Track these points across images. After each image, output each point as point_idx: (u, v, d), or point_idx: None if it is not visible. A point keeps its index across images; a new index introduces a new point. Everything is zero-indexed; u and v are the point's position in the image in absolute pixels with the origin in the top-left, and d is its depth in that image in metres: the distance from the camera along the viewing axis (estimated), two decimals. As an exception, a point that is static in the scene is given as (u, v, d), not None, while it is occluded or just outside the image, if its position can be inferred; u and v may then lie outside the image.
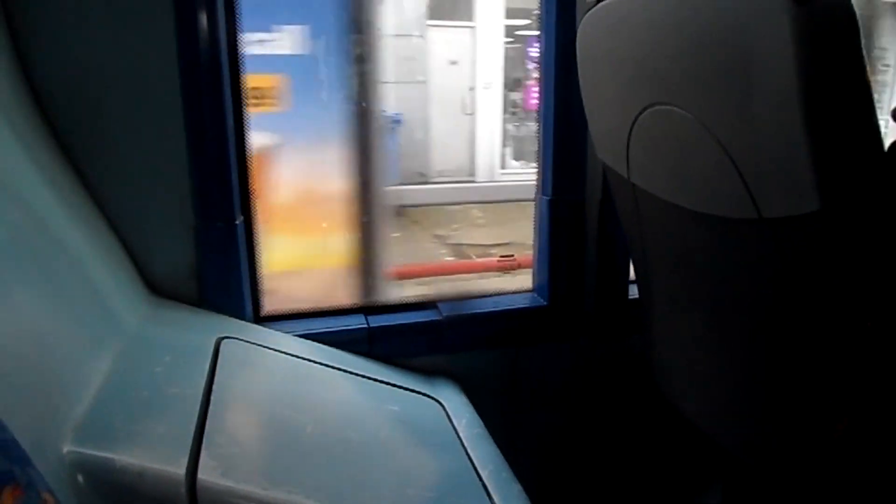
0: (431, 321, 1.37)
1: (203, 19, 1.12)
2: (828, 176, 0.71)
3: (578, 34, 1.10)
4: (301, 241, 2.18)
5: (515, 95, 8.38)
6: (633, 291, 1.44)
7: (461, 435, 1.11)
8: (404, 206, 6.38)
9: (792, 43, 0.68)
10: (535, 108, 1.41)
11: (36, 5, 1.05)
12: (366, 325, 1.33)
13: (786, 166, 0.74)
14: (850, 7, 0.69)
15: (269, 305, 1.32)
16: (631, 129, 1.01)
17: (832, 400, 0.83)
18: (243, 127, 1.23)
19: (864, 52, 0.69)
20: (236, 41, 1.19)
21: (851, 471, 0.84)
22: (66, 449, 0.72)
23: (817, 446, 0.88)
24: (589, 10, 1.03)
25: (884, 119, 0.87)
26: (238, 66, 1.20)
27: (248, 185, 1.25)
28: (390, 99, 6.59)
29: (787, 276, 0.81)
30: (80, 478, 0.72)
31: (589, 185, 1.39)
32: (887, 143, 0.74)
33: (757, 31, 0.73)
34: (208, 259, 1.20)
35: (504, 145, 8.28)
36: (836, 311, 0.78)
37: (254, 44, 1.27)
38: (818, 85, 0.69)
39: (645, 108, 0.96)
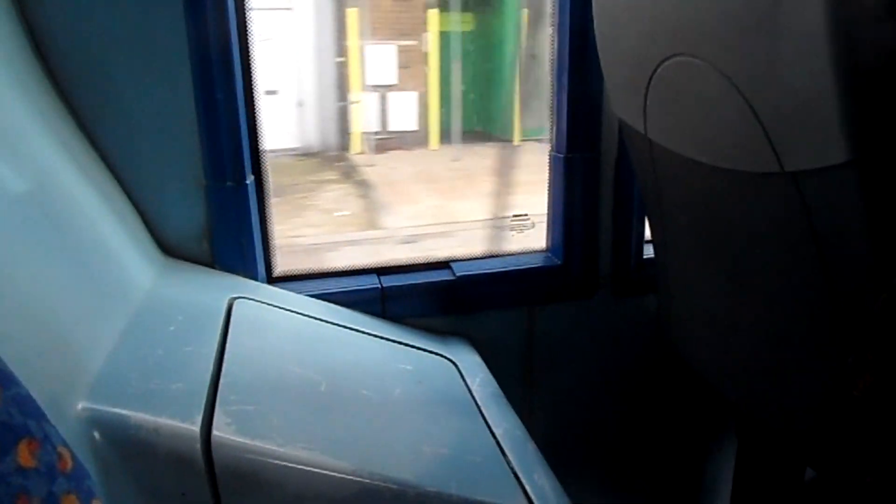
0: (444, 281, 1.36)
1: None
2: (857, 124, 0.68)
3: None
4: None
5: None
6: (649, 250, 1.42)
7: (475, 394, 1.11)
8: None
9: None
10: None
11: None
12: (379, 286, 1.32)
13: (811, 115, 0.71)
14: None
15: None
16: (649, 83, 0.98)
17: (854, 357, 0.82)
18: (252, 86, 1.21)
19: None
20: (243, -3, 1.16)
21: (871, 429, 0.83)
22: (81, 406, 0.73)
23: (837, 404, 0.87)
24: None
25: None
26: (245, 21, 1.17)
27: (258, 145, 1.24)
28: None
29: (811, 231, 0.79)
30: (95, 434, 0.72)
31: (604, 142, 1.36)
32: None
33: None
34: (220, 219, 1.20)
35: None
36: (862, 266, 0.76)
37: None
38: (847, 29, 0.66)
39: (664, 61, 0.93)
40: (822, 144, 0.71)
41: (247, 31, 1.18)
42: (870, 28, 0.68)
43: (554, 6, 1.34)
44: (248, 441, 0.77)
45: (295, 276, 1.33)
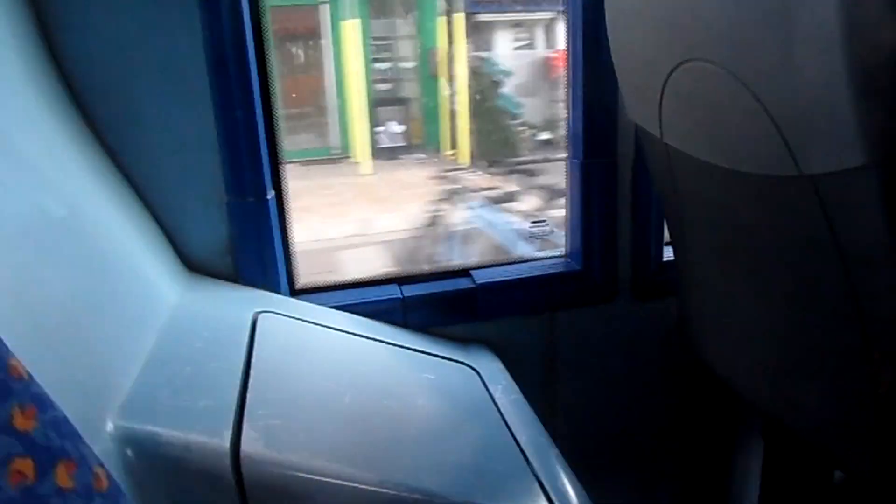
0: (465, 289, 1.37)
1: None
2: (873, 128, 0.68)
3: None
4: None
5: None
6: (668, 253, 1.42)
7: (497, 402, 1.11)
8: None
9: None
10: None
11: None
12: (400, 295, 1.33)
13: (827, 119, 0.71)
14: None
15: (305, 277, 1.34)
16: (663, 88, 0.98)
17: (877, 356, 0.81)
18: (271, 102, 1.23)
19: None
20: (260, 14, 1.18)
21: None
22: (113, 425, 0.75)
23: (862, 404, 0.86)
24: None
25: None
26: (263, 39, 1.19)
27: (277, 161, 1.26)
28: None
29: (831, 233, 0.79)
30: (128, 452, 0.74)
31: (620, 147, 1.36)
32: None
33: None
34: (242, 234, 1.21)
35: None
36: (884, 268, 0.75)
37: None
38: (862, 30, 0.66)
39: (678, 65, 0.93)
40: (839, 147, 0.71)
41: (265, 48, 1.20)
42: (884, 30, 0.68)
43: (567, 13, 1.34)
44: (276, 455, 0.79)
45: (317, 287, 1.35)
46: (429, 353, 1.23)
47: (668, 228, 1.27)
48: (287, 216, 1.29)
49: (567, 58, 1.37)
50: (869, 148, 0.68)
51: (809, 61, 0.72)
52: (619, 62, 1.12)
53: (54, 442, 0.54)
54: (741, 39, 0.81)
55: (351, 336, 1.18)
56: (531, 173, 4.99)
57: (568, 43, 1.36)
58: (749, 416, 1.53)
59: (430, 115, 7.14)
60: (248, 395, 0.87)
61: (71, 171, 0.99)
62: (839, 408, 0.93)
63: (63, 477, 0.53)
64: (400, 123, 7.22)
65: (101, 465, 0.58)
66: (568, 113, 1.40)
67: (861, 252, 0.78)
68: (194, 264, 1.21)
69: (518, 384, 1.20)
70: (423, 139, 7.29)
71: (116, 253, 1.00)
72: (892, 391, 0.81)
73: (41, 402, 0.55)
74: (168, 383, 0.85)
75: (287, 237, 1.29)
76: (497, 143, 6.53)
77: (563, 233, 1.47)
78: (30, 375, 0.53)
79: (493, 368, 1.25)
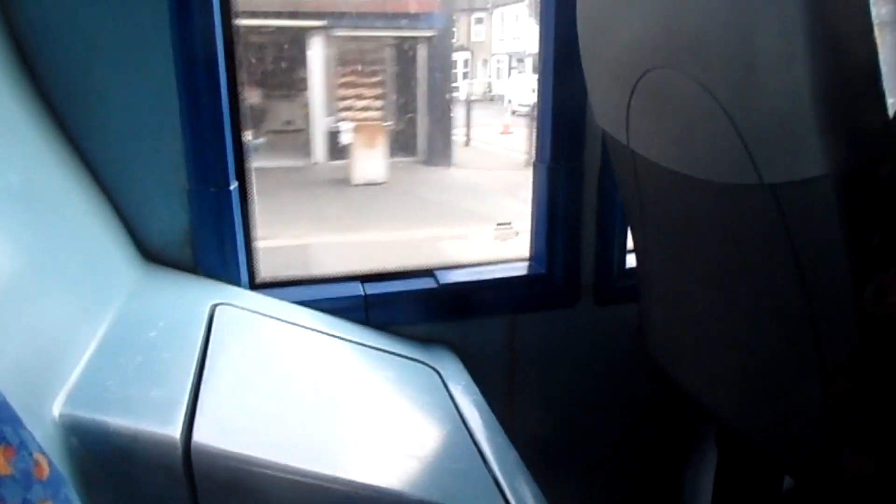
0: (428, 289, 1.37)
1: None
2: (833, 138, 0.69)
3: None
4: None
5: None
6: (632, 260, 1.43)
7: (457, 402, 1.11)
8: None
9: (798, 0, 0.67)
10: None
11: None
12: (362, 293, 1.32)
13: (789, 129, 0.73)
14: None
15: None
16: (631, 94, 0.99)
17: (829, 367, 0.83)
18: (237, 90, 1.21)
19: (873, 10, 0.68)
20: (228, 2, 1.16)
21: (849, 435, 0.84)
22: (58, 412, 0.72)
23: (815, 413, 0.88)
24: None
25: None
26: (231, 25, 1.17)
27: (242, 151, 1.23)
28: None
29: (790, 243, 0.81)
30: (73, 440, 0.71)
31: (587, 153, 1.37)
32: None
33: None
34: (203, 225, 1.19)
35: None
36: (840, 278, 0.77)
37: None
38: (824, 44, 0.68)
39: (646, 73, 0.94)
40: (799, 157, 0.73)
41: (232, 36, 1.18)
42: (847, 43, 0.69)
43: (539, 17, 1.35)
44: (228, 448, 0.77)
45: (278, 282, 1.33)
46: (389, 352, 1.23)
47: (632, 233, 1.29)
48: (250, 208, 1.27)
49: (538, 61, 1.38)
50: (829, 158, 0.70)
51: (773, 72, 0.73)
52: (589, 67, 1.13)
53: None
54: (708, 49, 0.82)
55: (310, 332, 1.17)
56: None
57: (539, 48, 1.37)
58: (704, 422, 1.56)
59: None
60: (202, 387, 0.85)
61: (26, 151, 0.96)
62: (791, 416, 0.95)
63: (0, 462, 0.51)
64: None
65: (42, 452, 0.56)
66: (537, 117, 1.40)
67: (817, 261, 0.80)
68: (152, 253, 1.18)
69: (478, 385, 1.20)
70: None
71: (70, 236, 0.97)
72: (842, 402, 0.83)
73: None
74: (118, 372, 0.82)
75: (249, 229, 1.27)
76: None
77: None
78: None
79: (453, 369, 1.25)
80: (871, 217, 0.71)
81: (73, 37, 1.07)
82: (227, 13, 1.16)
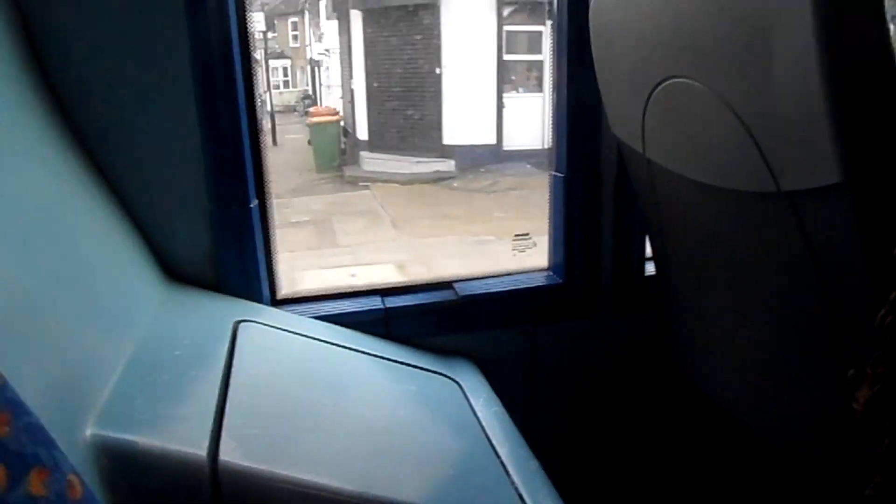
0: (448, 301, 1.37)
1: (213, 4, 1.11)
2: (849, 146, 0.69)
3: (592, 8, 1.08)
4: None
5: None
6: (650, 268, 1.43)
7: (478, 414, 1.11)
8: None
9: (812, 8, 0.67)
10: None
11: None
12: (382, 307, 1.33)
13: (805, 137, 0.73)
14: None
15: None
16: (646, 104, 0.99)
17: (852, 373, 0.82)
18: (255, 111, 1.22)
19: (888, 15, 0.67)
20: (246, 24, 1.18)
21: (872, 442, 0.83)
22: (89, 432, 0.74)
23: (837, 420, 0.87)
24: None
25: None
26: (248, 49, 1.19)
27: (261, 169, 1.25)
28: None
29: (809, 250, 0.80)
30: (103, 460, 0.73)
31: (604, 162, 1.37)
32: None
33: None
34: (224, 243, 1.21)
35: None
36: (859, 285, 0.77)
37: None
38: (839, 51, 0.68)
39: (660, 83, 0.94)
40: (816, 165, 0.72)
41: (250, 58, 1.20)
42: (860, 51, 0.69)
43: (552, 28, 1.36)
44: (254, 465, 0.78)
45: (299, 298, 1.34)
46: (410, 365, 1.23)
47: (650, 242, 1.28)
48: (270, 225, 1.28)
49: (553, 72, 1.38)
50: (845, 166, 0.70)
51: (787, 82, 0.73)
52: (603, 77, 1.13)
53: (27, 448, 0.53)
54: (723, 58, 0.82)
55: (332, 347, 1.18)
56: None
57: (553, 58, 1.37)
58: (730, 433, 1.54)
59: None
60: (227, 405, 0.87)
61: (52, 175, 0.98)
62: (814, 423, 0.94)
63: (36, 484, 0.52)
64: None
65: (76, 473, 0.57)
66: (552, 127, 1.41)
67: (837, 268, 0.79)
68: (176, 272, 1.20)
69: (499, 397, 1.20)
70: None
71: (96, 259, 0.99)
72: (867, 407, 0.82)
73: (15, 408, 0.54)
74: (145, 391, 0.84)
75: (270, 246, 1.29)
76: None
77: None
78: (4, 380, 0.52)
79: (474, 381, 1.25)
80: (891, 225, 0.71)
81: (98, 62, 1.10)
82: (245, 36, 1.18)
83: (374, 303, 1.35)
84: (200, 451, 0.76)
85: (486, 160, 9.54)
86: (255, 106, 1.22)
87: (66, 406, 0.73)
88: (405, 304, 1.35)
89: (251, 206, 1.22)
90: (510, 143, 9.76)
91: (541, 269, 1.49)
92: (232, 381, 0.93)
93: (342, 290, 1.39)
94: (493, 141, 9.84)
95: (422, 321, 1.36)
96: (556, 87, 1.37)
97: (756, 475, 1.33)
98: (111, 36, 1.10)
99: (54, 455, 0.55)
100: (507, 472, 0.96)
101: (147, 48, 1.11)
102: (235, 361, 0.98)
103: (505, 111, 9.87)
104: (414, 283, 1.42)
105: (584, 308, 1.44)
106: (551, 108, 1.41)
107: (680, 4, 0.86)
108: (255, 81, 1.21)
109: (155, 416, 0.80)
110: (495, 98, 9.86)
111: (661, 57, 0.93)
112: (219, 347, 1.01)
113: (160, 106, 1.14)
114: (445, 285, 1.42)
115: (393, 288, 1.40)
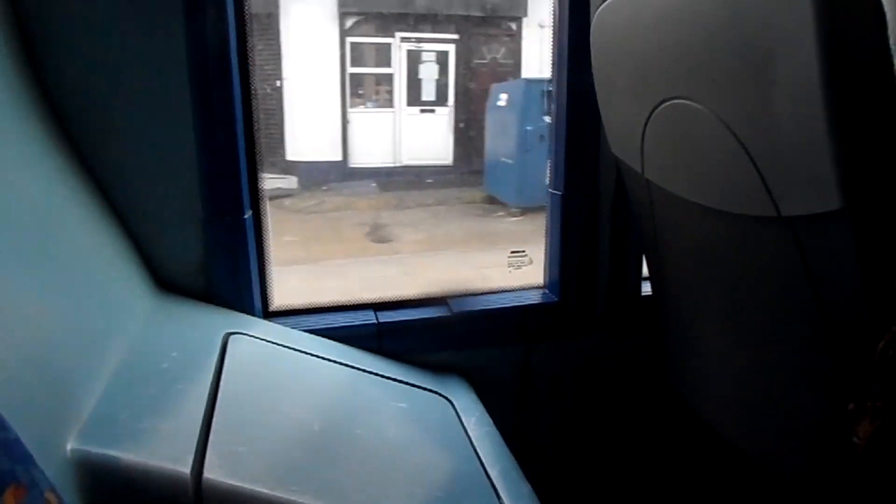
0: (441, 317, 1.36)
1: (211, 14, 1.11)
2: (850, 173, 0.68)
3: (593, 27, 1.08)
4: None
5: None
6: (647, 288, 1.42)
7: (470, 433, 1.09)
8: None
9: (814, 33, 0.66)
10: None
11: (45, 4, 1.04)
12: (375, 322, 1.32)
13: (806, 163, 0.72)
14: None
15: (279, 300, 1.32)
16: (646, 124, 0.99)
17: (851, 407, 0.81)
18: (252, 121, 1.22)
19: (891, 43, 0.67)
20: (245, 35, 1.18)
21: (873, 475, 0.82)
22: (70, 447, 0.72)
23: (834, 449, 0.86)
24: (603, 3, 1.01)
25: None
26: (247, 60, 1.19)
27: (256, 180, 1.24)
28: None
29: (808, 276, 0.79)
30: (84, 476, 0.71)
31: (602, 181, 1.37)
32: None
33: (778, 22, 0.70)
34: (217, 254, 1.19)
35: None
36: (858, 312, 0.76)
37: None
38: (841, 77, 0.67)
39: (660, 103, 0.94)
40: (816, 191, 0.72)
41: (248, 67, 1.19)
42: (863, 77, 0.69)
43: (553, 47, 1.36)
44: (238, 483, 0.76)
45: (291, 310, 1.33)
46: (402, 382, 1.22)
47: (647, 263, 1.27)
48: (265, 236, 1.27)
49: (553, 90, 1.38)
50: (845, 192, 0.69)
51: (788, 106, 0.72)
52: (603, 97, 1.13)
53: (3, 465, 0.51)
54: (724, 80, 0.81)
55: (323, 361, 1.16)
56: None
57: (553, 76, 1.37)
58: (724, 456, 1.53)
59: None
60: (214, 420, 0.85)
61: (43, 182, 0.97)
62: (811, 450, 0.93)
63: (11, 502, 0.51)
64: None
65: (53, 491, 0.55)
66: (551, 145, 1.40)
67: (835, 294, 0.79)
68: (167, 282, 1.19)
69: (492, 415, 1.19)
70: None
71: (84, 268, 0.97)
72: (869, 441, 0.81)
73: None
74: (130, 405, 0.82)
75: (263, 257, 1.27)
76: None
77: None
78: None
79: (466, 399, 1.24)
80: (892, 254, 0.70)
81: (92, 69, 1.09)
82: (244, 46, 1.18)
83: (367, 317, 1.33)
84: (184, 467, 0.75)
85: (330, 177, 8.73)
86: (251, 115, 1.21)
87: (47, 420, 0.71)
88: (398, 319, 1.34)
89: (245, 216, 1.20)
90: (359, 160, 9.09)
91: (537, 287, 1.48)
92: (220, 395, 0.91)
93: (335, 304, 1.37)
94: (339, 157, 9.11)
95: (415, 337, 1.34)
96: (556, 105, 1.37)
97: (750, 499, 1.31)
98: (106, 43, 1.09)
99: (31, 472, 0.54)
100: (497, 494, 0.94)
101: (143, 56, 1.10)
102: (224, 375, 0.97)
103: (351, 126, 9.19)
104: (408, 298, 1.41)
105: (578, 327, 1.43)
106: (550, 125, 1.41)
107: (681, 26, 0.86)
108: (252, 90, 1.20)
109: (139, 431, 0.78)
110: (340, 113, 9.17)
111: (661, 77, 0.93)
112: (208, 360, 0.99)
113: (155, 113, 1.12)
114: (439, 301, 1.40)
115: (386, 302, 1.39)
